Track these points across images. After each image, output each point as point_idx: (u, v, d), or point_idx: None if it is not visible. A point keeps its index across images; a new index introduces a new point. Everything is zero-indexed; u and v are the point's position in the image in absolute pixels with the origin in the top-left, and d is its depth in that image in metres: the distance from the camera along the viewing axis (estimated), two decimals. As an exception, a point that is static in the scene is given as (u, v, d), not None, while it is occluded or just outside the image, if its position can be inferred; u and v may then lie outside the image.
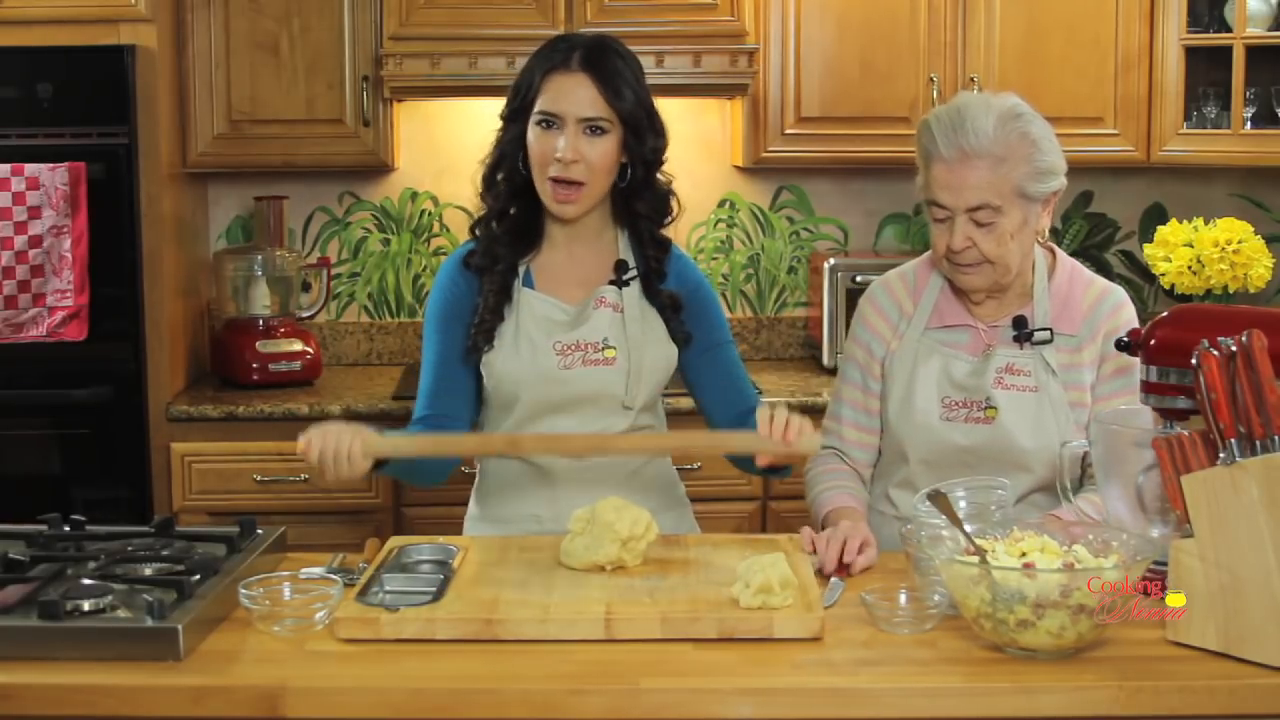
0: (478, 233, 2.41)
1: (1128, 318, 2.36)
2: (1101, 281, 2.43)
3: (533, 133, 2.32)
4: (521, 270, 2.40)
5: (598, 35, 2.39)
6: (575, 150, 2.29)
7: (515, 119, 2.36)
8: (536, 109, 2.31)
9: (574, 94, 2.30)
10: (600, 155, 2.31)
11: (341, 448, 2.13)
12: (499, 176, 2.39)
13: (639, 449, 2.39)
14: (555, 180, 2.31)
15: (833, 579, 2.09)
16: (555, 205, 2.33)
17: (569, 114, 2.30)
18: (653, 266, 2.40)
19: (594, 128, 2.30)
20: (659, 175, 2.39)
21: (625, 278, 2.40)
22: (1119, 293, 2.41)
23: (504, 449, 2.28)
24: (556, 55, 2.33)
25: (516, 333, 2.36)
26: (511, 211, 2.39)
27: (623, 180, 2.37)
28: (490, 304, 2.36)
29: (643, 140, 2.34)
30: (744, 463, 2.39)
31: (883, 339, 2.45)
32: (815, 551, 2.16)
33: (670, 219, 2.43)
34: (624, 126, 2.32)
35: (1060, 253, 2.45)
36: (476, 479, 2.52)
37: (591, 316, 2.37)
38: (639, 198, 2.38)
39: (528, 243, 2.40)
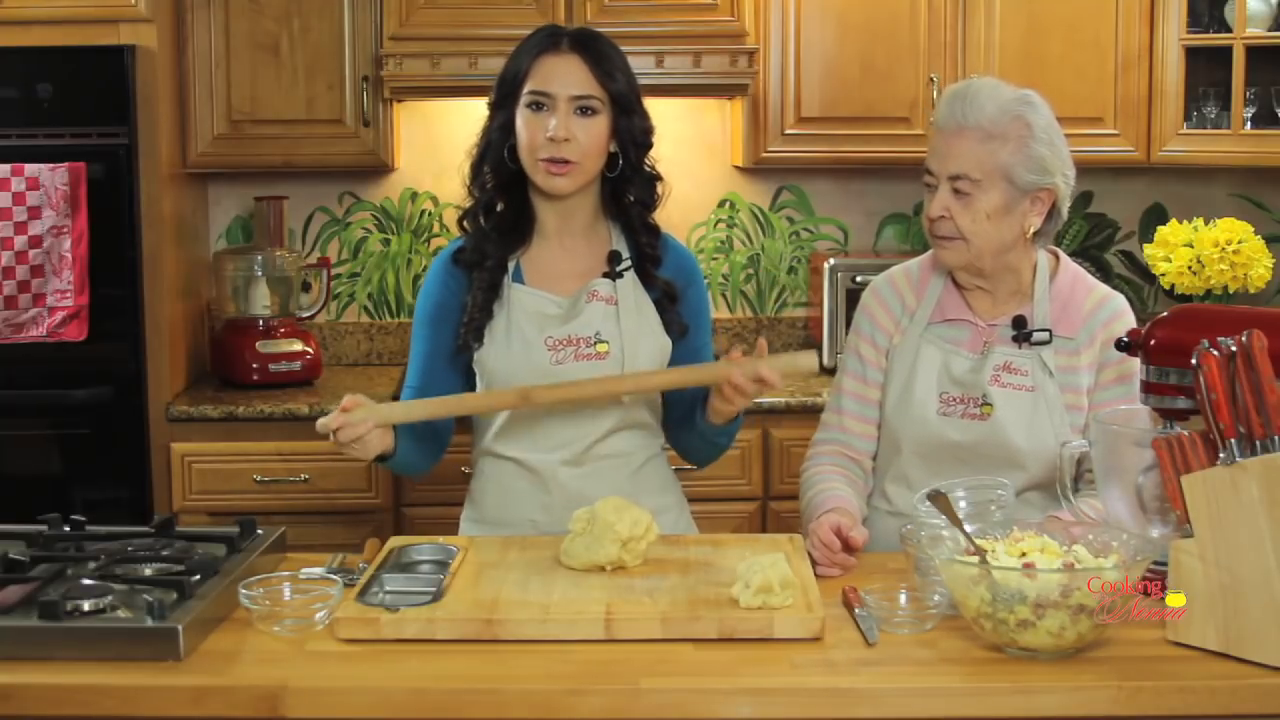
0: (466, 226, 2.41)
1: (1125, 325, 2.35)
2: (1104, 288, 2.44)
3: (523, 116, 2.32)
4: (511, 265, 2.39)
5: (582, 26, 2.40)
6: (567, 129, 2.28)
7: (503, 105, 2.35)
8: (526, 90, 2.31)
9: (565, 73, 2.30)
10: (591, 136, 2.31)
11: (351, 434, 2.16)
12: (486, 168, 2.38)
13: (643, 387, 2.35)
14: (547, 160, 2.30)
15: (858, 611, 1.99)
16: (546, 180, 2.32)
17: (560, 93, 2.29)
18: (646, 253, 2.40)
19: (585, 108, 2.30)
20: (647, 161, 2.40)
21: (619, 269, 2.39)
22: (1120, 300, 2.42)
23: (515, 403, 2.28)
24: (546, 40, 2.34)
25: (508, 328, 2.35)
26: (499, 206, 2.38)
27: (613, 170, 2.37)
28: (479, 302, 2.35)
29: (632, 122, 2.34)
30: (694, 428, 2.39)
31: (886, 332, 2.46)
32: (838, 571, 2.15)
33: (658, 203, 2.42)
34: (614, 107, 2.32)
35: (1064, 256, 2.46)
36: (472, 481, 2.51)
37: (584, 310, 2.37)
38: (630, 184, 2.38)
39: (517, 238, 2.39)
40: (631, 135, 2.35)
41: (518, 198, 2.39)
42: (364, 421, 2.16)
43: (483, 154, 2.38)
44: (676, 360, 2.41)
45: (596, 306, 2.37)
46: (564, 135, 2.28)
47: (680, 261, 2.46)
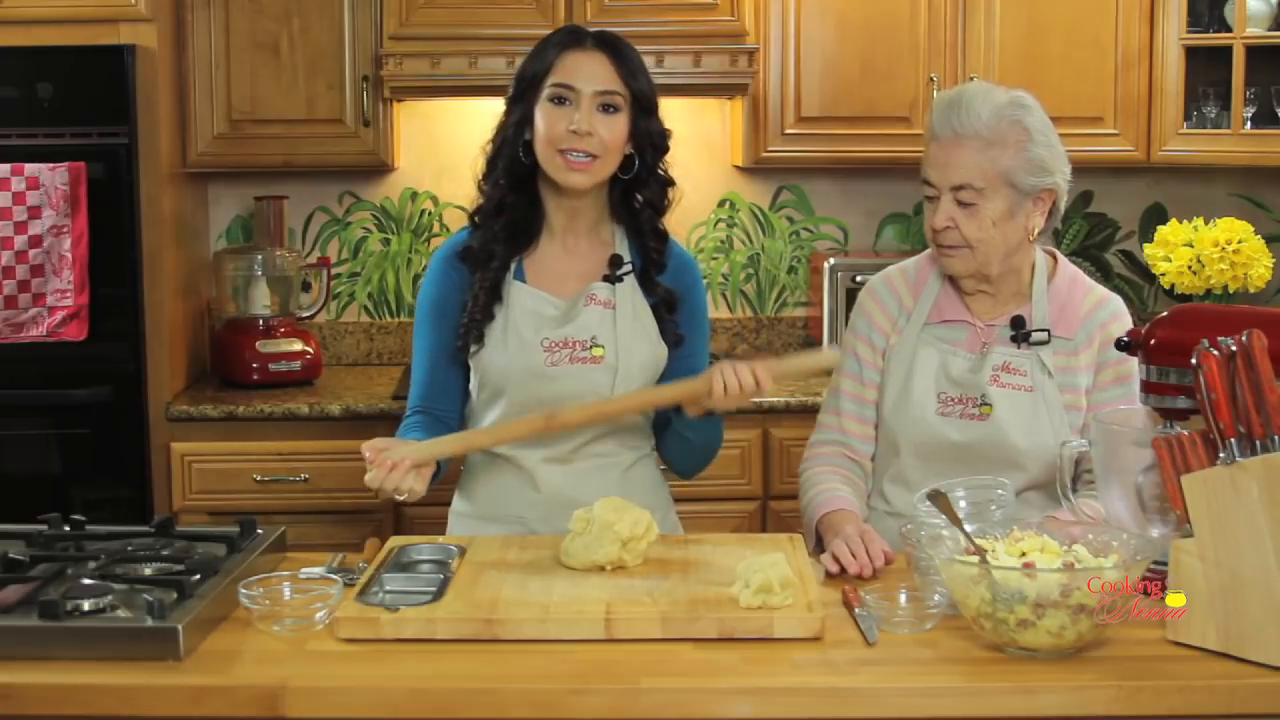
0: (476, 221, 2.41)
1: (1123, 326, 2.35)
2: (1101, 289, 2.45)
3: (544, 110, 2.31)
4: (513, 264, 2.39)
5: (603, 29, 2.40)
6: (590, 123, 2.28)
7: (521, 100, 2.35)
8: (550, 83, 2.31)
9: (590, 69, 2.30)
10: (613, 133, 2.31)
11: (395, 480, 2.15)
12: (499, 164, 2.37)
13: (649, 402, 2.36)
14: (565, 153, 2.29)
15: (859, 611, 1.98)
16: (563, 174, 2.31)
17: (585, 88, 2.29)
18: (652, 258, 2.40)
19: (608, 105, 2.30)
20: (661, 164, 2.39)
21: (620, 273, 2.39)
22: (1118, 301, 2.43)
23: (542, 427, 2.28)
24: (570, 37, 2.34)
25: (506, 328, 2.35)
26: (509, 202, 2.37)
27: (627, 172, 2.36)
28: (480, 303, 2.35)
29: (651, 125, 2.35)
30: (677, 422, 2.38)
31: (883, 332, 2.46)
32: (838, 569, 2.13)
33: (668, 207, 2.42)
34: (635, 107, 2.33)
35: (1062, 257, 2.46)
36: (462, 475, 2.51)
37: (581, 313, 2.36)
38: (644, 186, 2.38)
39: (525, 239, 2.40)
40: (650, 138, 2.36)
41: (528, 197, 2.39)
42: (402, 461, 2.15)
43: (498, 149, 2.38)
44: (672, 367, 2.41)
45: (594, 310, 2.37)
46: (587, 129, 2.28)
47: (681, 267, 2.45)
